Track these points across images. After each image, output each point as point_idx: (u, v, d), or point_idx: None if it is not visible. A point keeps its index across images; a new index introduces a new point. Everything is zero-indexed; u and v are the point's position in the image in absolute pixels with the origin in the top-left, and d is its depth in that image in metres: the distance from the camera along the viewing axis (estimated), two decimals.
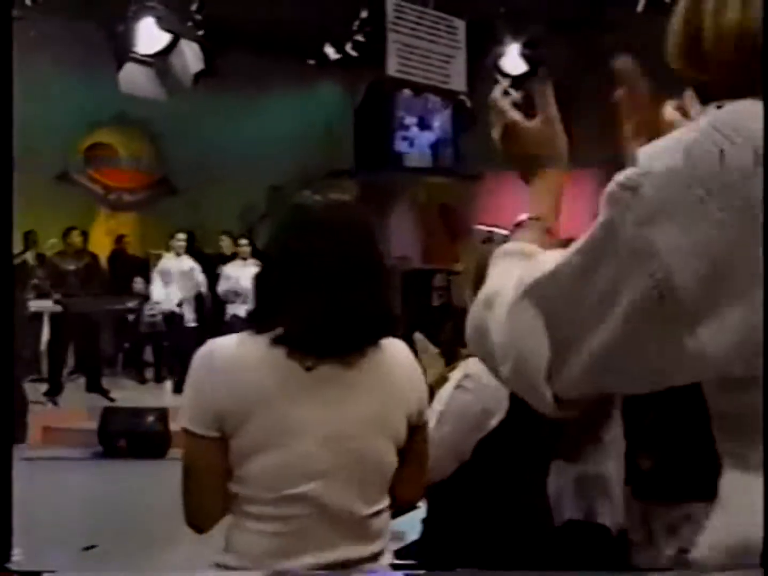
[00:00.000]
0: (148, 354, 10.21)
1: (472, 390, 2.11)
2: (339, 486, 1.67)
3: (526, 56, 9.49)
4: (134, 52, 8.18)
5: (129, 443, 7.40)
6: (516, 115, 1.27)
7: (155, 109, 11.43)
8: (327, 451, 1.66)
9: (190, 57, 8.28)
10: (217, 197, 11.99)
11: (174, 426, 7.49)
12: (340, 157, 12.45)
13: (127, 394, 8.91)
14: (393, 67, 7.85)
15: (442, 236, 12.91)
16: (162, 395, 8.97)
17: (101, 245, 11.04)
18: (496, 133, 1.32)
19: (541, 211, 1.23)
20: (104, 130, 12.17)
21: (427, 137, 9.88)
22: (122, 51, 8.15)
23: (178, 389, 8.90)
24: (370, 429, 1.70)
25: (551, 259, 1.02)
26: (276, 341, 1.64)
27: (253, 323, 1.70)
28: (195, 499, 1.71)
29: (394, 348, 1.78)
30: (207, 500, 1.70)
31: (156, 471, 6.98)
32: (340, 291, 1.64)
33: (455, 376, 2.16)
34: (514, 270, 1.08)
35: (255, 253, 10.30)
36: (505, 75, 9.43)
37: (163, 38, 8.17)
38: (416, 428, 1.78)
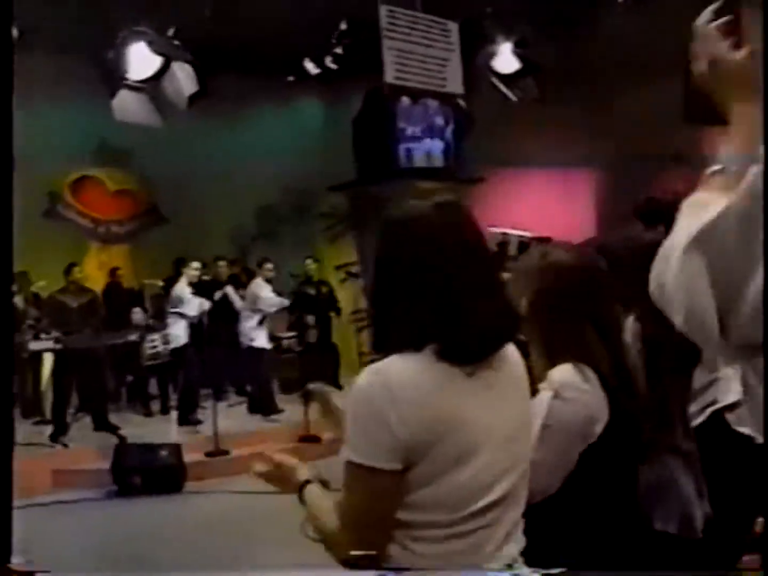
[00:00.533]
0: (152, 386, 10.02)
1: (572, 399, 1.98)
2: (514, 491, 1.64)
3: (518, 54, 9.43)
4: (126, 79, 8.06)
5: (144, 479, 7.26)
6: (724, 47, 1.22)
7: (138, 137, 11.38)
8: (504, 455, 1.63)
9: (184, 79, 8.18)
10: (207, 222, 11.89)
11: (188, 458, 7.48)
12: (331, 171, 12.37)
13: (135, 428, 8.77)
14: (391, 74, 7.79)
15: None
16: (170, 427, 8.77)
17: (94, 279, 10.85)
18: (701, 65, 1.24)
19: (740, 146, 1.18)
20: (88, 162, 12.06)
21: (429, 143, 9.82)
22: (114, 78, 8.04)
23: (183, 421, 8.80)
24: (523, 429, 1.70)
25: (715, 207, 1.05)
26: (442, 356, 1.57)
27: (405, 344, 1.58)
28: (365, 536, 1.60)
29: (510, 348, 1.75)
30: (378, 535, 1.60)
31: (173, 506, 6.99)
32: (480, 294, 1.59)
33: (545, 386, 2.01)
34: (691, 221, 1.10)
35: (249, 275, 10.20)
36: (498, 74, 9.40)
37: (155, 62, 8.02)
38: None
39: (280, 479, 1.84)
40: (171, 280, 9.61)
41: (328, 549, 1.66)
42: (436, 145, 10.21)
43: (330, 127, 12.87)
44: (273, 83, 12.08)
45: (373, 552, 1.60)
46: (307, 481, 1.78)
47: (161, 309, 9.51)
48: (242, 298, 9.62)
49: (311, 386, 2.10)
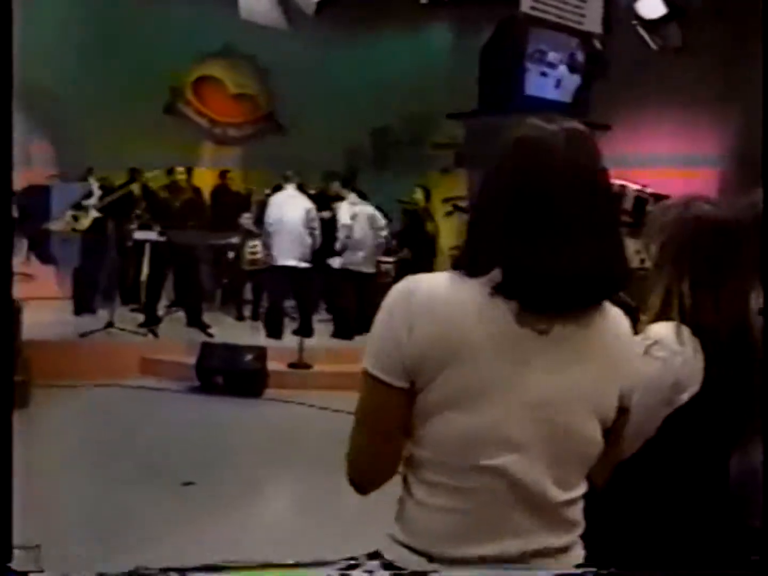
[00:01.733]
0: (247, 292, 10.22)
1: (663, 359, 1.84)
2: (537, 463, 1.45)
3: None
4: None
5: (226, 380, 7.43)
6: None
7: (263, 43, 11.46)
8: (529, 420, 1.44)
9: None
10: (322, 136, 11.85)
11: (271, 367, 7.60)
12: (453, 100, 12.18)
13: (225, 330, 8.92)
14: (527, 4, 7.48)
15: None
16: (259, 334, 8.93)
17: (205, 179, 11.07)
18: None
19: None
20: (212, 62, 12.23)
21: (558, 78, 9.49)
22: None
23: (306, 332, 8.67)
24: (580, 403, 1.48)
25: None
26: (498, 289, 1.42)
27: (466, 265, 1.47)
28: (365, 453, 1.52)
29: (617, 315, 1.56)
30: (379, 455, 1.51)
31: (252, 410, 7.15)
32: (582, 237, 1.42)
33: (638, 341, 1.83)
34: None
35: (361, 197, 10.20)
36: (641, 19, 8.95)
37: None
38: (624, 410, 1.57)
39: None
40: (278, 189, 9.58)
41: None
42: (566, 81, 9.92)
43: (457, 56, 12.57)
44: (404, 3, 11.87)
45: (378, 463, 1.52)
46: None
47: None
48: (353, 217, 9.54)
49: None
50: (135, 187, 9.30)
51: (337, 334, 9.04)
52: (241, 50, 11.93)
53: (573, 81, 9.60)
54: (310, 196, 9.37)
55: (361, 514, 2.96)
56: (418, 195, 10.48)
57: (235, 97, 12.58)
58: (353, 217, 8.96)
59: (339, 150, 12.27)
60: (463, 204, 11.26)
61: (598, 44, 8.28)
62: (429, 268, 10.08)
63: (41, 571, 1.55)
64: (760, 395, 1.88)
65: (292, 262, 8.57)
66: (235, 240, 9.14)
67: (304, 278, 8.75)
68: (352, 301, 9.02)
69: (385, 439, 1.50)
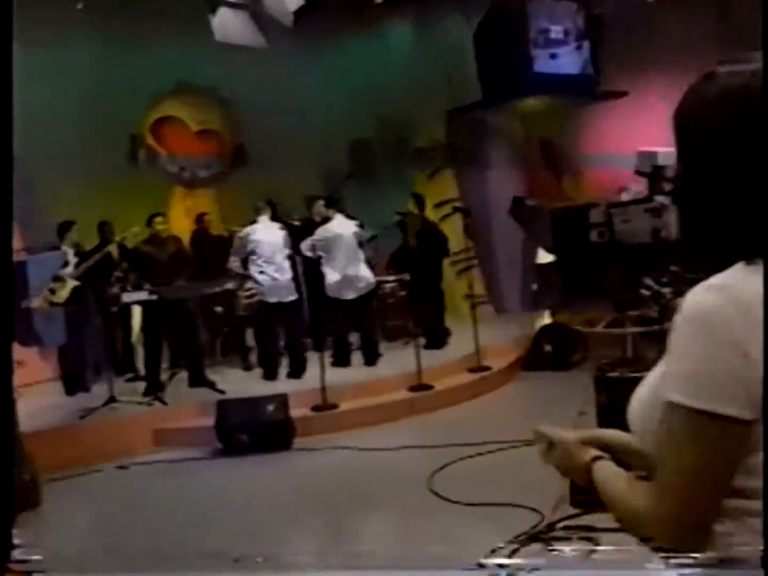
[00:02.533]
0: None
1: None
2: None
3: None
4: None
5: (251, 437, 7.13)
6: None
7: (219, 71, 11.18)
8: None
9: None
10: (298, 161, 11.65)
11: (294, 413, 7.34)
12: (424, 100, 12.06)
13: (235, 383, 8.67)
14: None
15: (545, 173, 12.79)
16: (272, 381, 8.81)
17: (181, 226, 10.79)
18: None
19: None
20: (168, 101, 11.92)
21: (566, 49, 9.28)
22: None
23: (297, 372, 8.80)
24: None
25: None
26: None
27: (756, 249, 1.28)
28: (698, 506, 1.30)
29: None
30: (711, 507, 1.31)
31: (285, 464, 6.81)
32: None
33: None
34: None
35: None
36: None
37: None
38: None
39: (563, 458, 1.64)
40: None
41: (634, 531, 1.39)
42: (572, 52, 9.74)
43: (424, 54, 12.48)
44: (360, 6, 11.71)
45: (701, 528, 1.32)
46: (597, 458, 1.56)
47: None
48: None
49: (541, 429, 1.77)
50: (112, 248, 8.97)
51: (335, 362, 9.11)
52: (197, 84, 11.62)
53: (579, 50, 9.45)
54: (294, 227, 9.36)
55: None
56: (412, 205, 10.40)
57: (199, 135, 12.29)
58: (312, 248, 9.15)
59: (319, 171, 12.15)
60: (459, 204, 11.16)
61: (595, 6, 8.04)
62: (437, 277, 9.97)
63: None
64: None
65: (273, 299, 8.81)
66: (231, 285, 8.82)
67: (293, 312, 8.99)
68: (340, 328, 9.25)
69: (724, 486, 1.30)
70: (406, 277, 9.97)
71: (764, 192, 1.25)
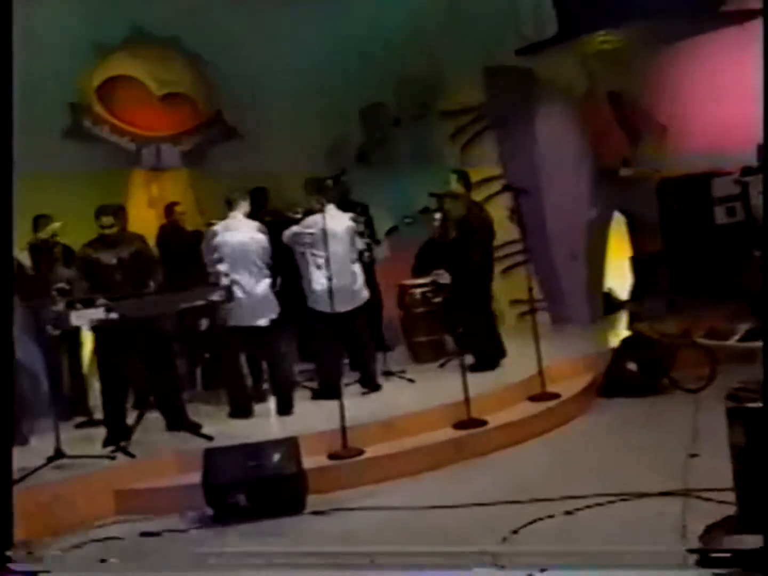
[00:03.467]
0: None
1: None
2: None
3: None
4: None
5: (250, 497, 6.88)
6: None
7: (186, 16, 11.08)
8: None
9: None
10: (293, 133, 11.77)
11: (309, 462, 7.20)
12: (462, 49, 12.18)
13: (226, 425, 8.57)
14: None
15: (616, 136, 12.87)
16: (271, 420, 8.80)
17: (144, 222, 10.66)
18: None
19: None
20: (118, 57, 11.87)
21: None
22: None
23: (284, 409, 8.90)
24: None
25: None
26: None
27: None
28: None
29: None
30: None
31: (298, 533, 6.56)
32: None
33: None
34: None
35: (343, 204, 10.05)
36: None
37: None
38: None
39: None
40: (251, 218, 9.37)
41: None
42: None
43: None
44: None
45: None
46: None
47: None
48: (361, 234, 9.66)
49: None
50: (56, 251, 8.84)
51: (317, 394, 9.36)
52: (156, 33, 11.64)
53: None
54: (291, 221, 9.45)
55: None
56: (455, 183, 10.18)
57: (164, 101, 12.16)
58: (294, 239, 9.27)
59: (321, 147, 12.30)
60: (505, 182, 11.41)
61: None
62: (487, 276, 10.11)
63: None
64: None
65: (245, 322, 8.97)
66: (216, 297, 8.47)
67: (270, 334, 9.11)
68: (331, 347, 9.30)
69: None
70: (445, 278, 9.89)
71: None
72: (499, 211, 10.83)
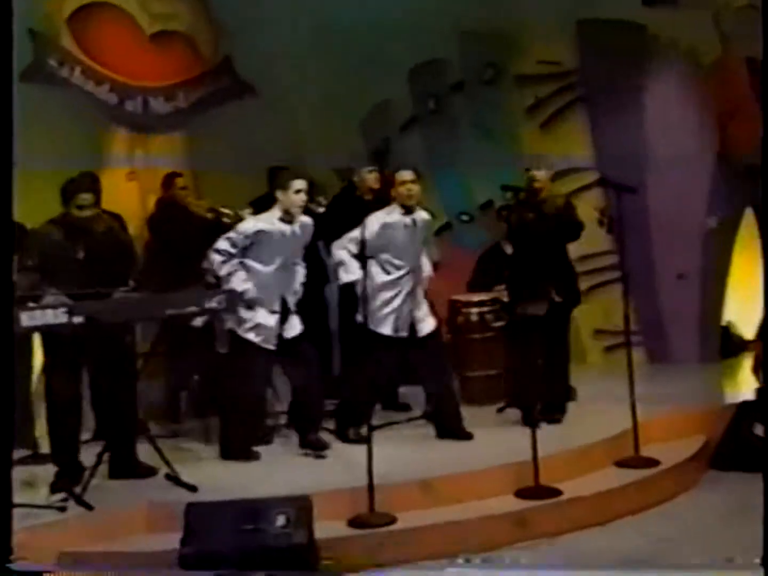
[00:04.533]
0: None
1: None
2: None
3: None
4: None
5: (243, 571, 6.74)
6: None
7: None
8: None
9: None
10: (322, 94, 12.00)
11: (324, 529, 7.23)
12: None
13: (211, 469, 8.64)
14: None
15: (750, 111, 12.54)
16: (277, 465, 8.80)
17: (124, 199, 10.82)
18: None
19: None
20: None
21: None
22: None
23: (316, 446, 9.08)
24: None
25: None
26: None
27: None
28: None
29: None
30: None
31: None
32: None
33: None
34: None
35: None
36: None
37: None
38: None
39: None
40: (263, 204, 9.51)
41: None
42: None
43: None
44: None
45: None
46: None
47: None
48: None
49: None
50: None
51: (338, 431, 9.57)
52: None
53: None
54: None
55: None
56: (538, 177, 10.09)
57: (156, 41, 12.18)
58: (354, 246, 9.23)
59: (355, 116, 12.46)
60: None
61: None
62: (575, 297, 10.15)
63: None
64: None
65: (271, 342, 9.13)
66: (215, 304, 8.45)
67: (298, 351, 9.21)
68: (359, 383, 9.42)
69: None
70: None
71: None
72: (585, 211, 10.62)
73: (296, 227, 9.13)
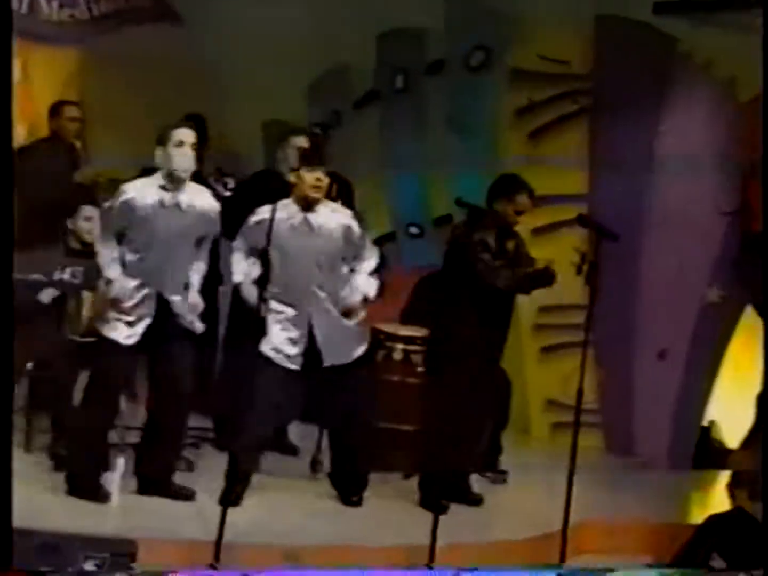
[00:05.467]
0: None
1: None
2: None
3: None
4: None
5: None
6: None
7: None
8: None
9: None
10: (259, 41, 11.96)
11: None
12: None
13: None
14: None
15: None
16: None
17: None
18: None
19: None
20: None
21: None
22: None
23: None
24: None
25: None
26: None
27: None
28: None
29: None
30: None
31: None
32: None
33: None
34: None
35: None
36: None
37: None
38: None
39: None
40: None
41: None
42: None
43: None
44: None
45: None
46: None
47: None
48: None
49: None
50: None
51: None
52: None
53: None
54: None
55: None
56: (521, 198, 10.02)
57: None
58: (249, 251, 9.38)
59: (303, 76, 12.78)
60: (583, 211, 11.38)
61: None
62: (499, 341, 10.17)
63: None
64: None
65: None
66: (68, 276, 8.35)
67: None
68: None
69: None
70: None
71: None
72: (560, 251, 10.63)
73: (182, 198, 8.88)
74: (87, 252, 9.36)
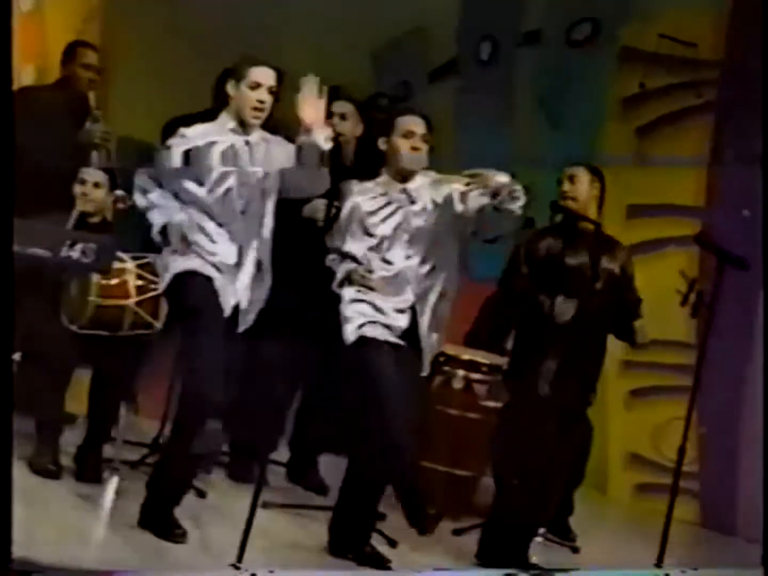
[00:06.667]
0: None
1: None
2: None
3: None
4: None
5: None
6: None
7: None
8: None
9: None
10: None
11: None
12: None
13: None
14: None
15: None
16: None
17: None
18: None
19: None
20: None
21: None
22: None
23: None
24: None
25: None
26: None
27: None
28: None
29: None
30: None
31: None
32: None
33: None
34: None
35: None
36: None
37: None
38: None
39: None
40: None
41: None
42: None
43: None
44: None
45: None
46: None
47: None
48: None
49: None
50: None
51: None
52: None
53: None
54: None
55: None
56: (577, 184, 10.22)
57: None
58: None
59: (366, 41, 12.94)
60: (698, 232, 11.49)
61: None
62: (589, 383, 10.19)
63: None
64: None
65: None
66: (77, 254, 8.86)
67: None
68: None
69: None
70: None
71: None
72: (663, 275, 11.14)
73: (257, 139, 9.06)
74: (100, 225, 9.62)
